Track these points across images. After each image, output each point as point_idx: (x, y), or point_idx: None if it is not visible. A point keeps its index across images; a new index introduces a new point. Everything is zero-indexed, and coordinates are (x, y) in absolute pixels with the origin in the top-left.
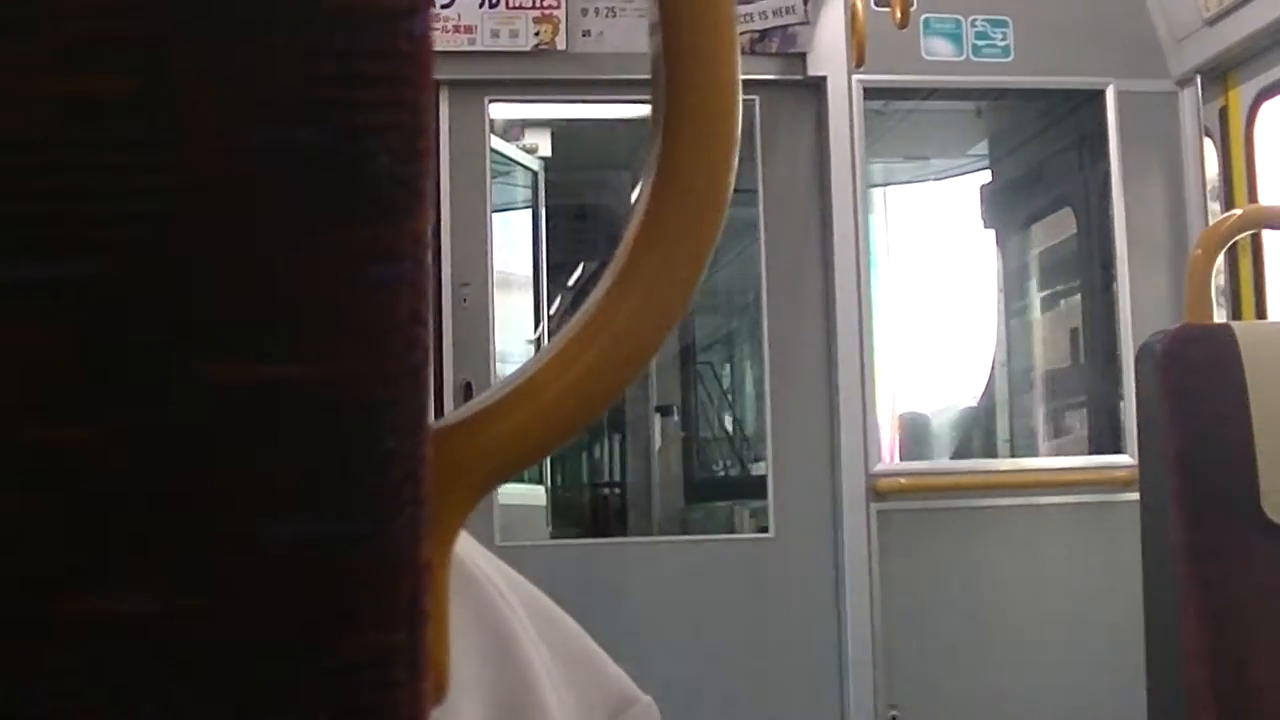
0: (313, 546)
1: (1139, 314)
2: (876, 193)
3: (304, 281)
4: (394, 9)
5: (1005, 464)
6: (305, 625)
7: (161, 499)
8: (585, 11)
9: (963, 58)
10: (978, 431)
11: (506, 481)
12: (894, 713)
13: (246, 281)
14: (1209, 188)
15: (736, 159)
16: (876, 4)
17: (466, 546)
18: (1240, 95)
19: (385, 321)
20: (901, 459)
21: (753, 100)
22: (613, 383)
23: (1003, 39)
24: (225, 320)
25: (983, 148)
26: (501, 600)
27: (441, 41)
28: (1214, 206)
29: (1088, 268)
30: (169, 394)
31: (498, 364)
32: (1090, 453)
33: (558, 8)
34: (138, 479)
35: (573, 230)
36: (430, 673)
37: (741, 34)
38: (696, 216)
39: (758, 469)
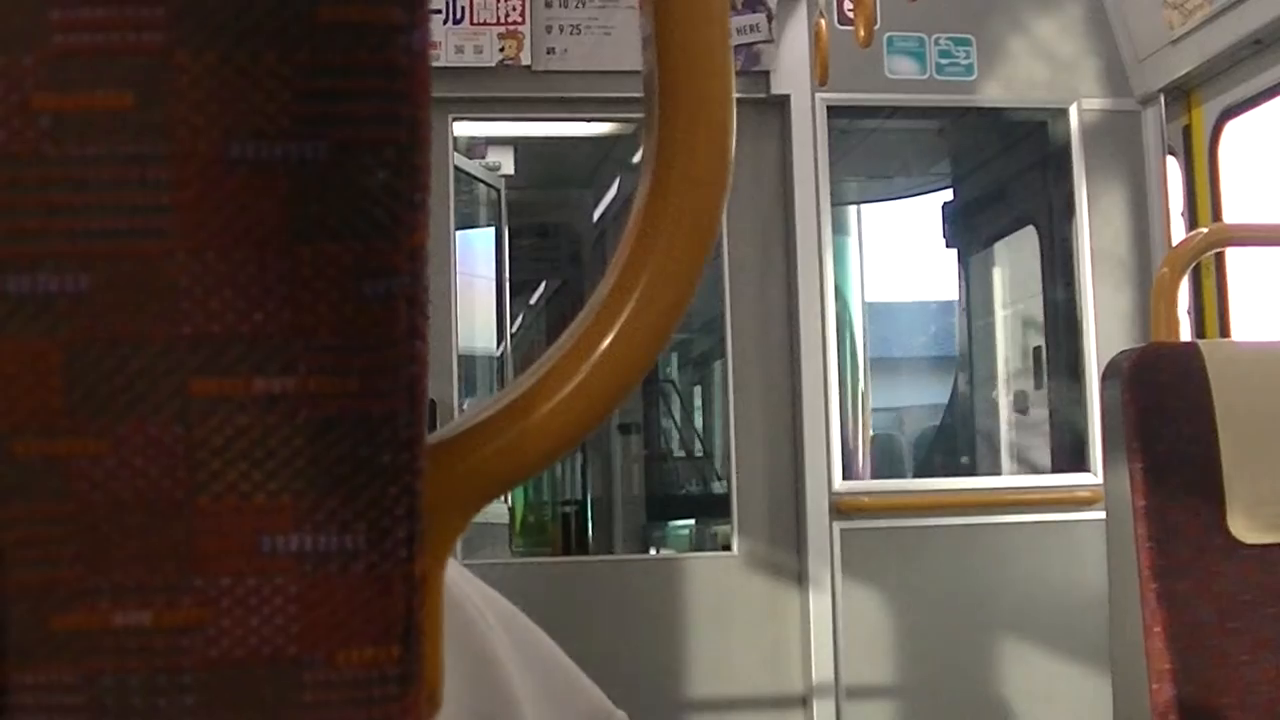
0: (308, 560)
1: (1103, 332)
2: (850, 210)
3: (300, 296)
4: (391, 24)
5: (969, 483)
6: (301, 639)
7: (157, 513)
8: (550, 29)
9: (926, 76)
10: (941, 450)
11: (501, 495)
12: None
13: (241, 296)
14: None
15: (731, 175)
16: (840, 23)
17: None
18: (1203, 114)
19: (382, 336)
20: (873, 477)
21: None
22: (606, 399)
23: (966, 58)
24: (220, 334)
25: (946, 166)
26: (480, 618)
27: None
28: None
29: (1051, 286)
30: (163, 408)
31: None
32: (1054, 471)
33: (522, 24)
34: (132, 493)
35: (536, 248)
36: (424, 687)
37: None
38: (690, 233)
39: (720, 487)
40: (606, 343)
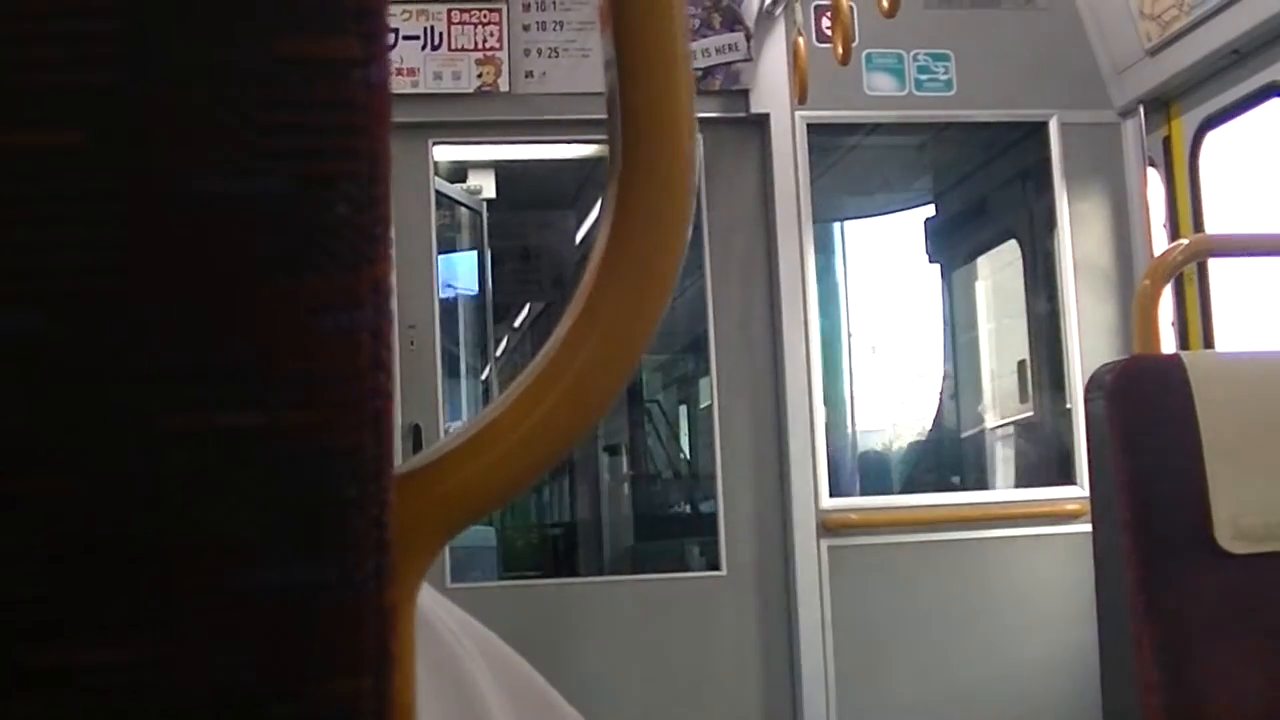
0: (278, 594)
1: (1087, 345)
2: (834, 228)
3: (262, 331)
4: (349, 58)
5: (956, 497)
6: (272, 672)
7: (124, 549)
8: (528, 52)
9: (905, 92)
10: (927, 465)
11: (471, 525)
12: None
13: (202, 332)
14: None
15: (694, 194)
16: (818, 40)
17: (422, 593)
18: (1182, 125)
19: (346, 369)
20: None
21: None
22: (575, 424)
23: (944, 73)
24: (181, 371)
25: (927, 182)
26: (458, 646)
27: None
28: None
29: (1035, 299)
30: (127, 445)
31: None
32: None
33: (500, 49)
34: (100, 530)
35: (518, 271)
36: (397, 718)
37: None
38: (656, 254)
39: (707, 506)
40: (572, 372)
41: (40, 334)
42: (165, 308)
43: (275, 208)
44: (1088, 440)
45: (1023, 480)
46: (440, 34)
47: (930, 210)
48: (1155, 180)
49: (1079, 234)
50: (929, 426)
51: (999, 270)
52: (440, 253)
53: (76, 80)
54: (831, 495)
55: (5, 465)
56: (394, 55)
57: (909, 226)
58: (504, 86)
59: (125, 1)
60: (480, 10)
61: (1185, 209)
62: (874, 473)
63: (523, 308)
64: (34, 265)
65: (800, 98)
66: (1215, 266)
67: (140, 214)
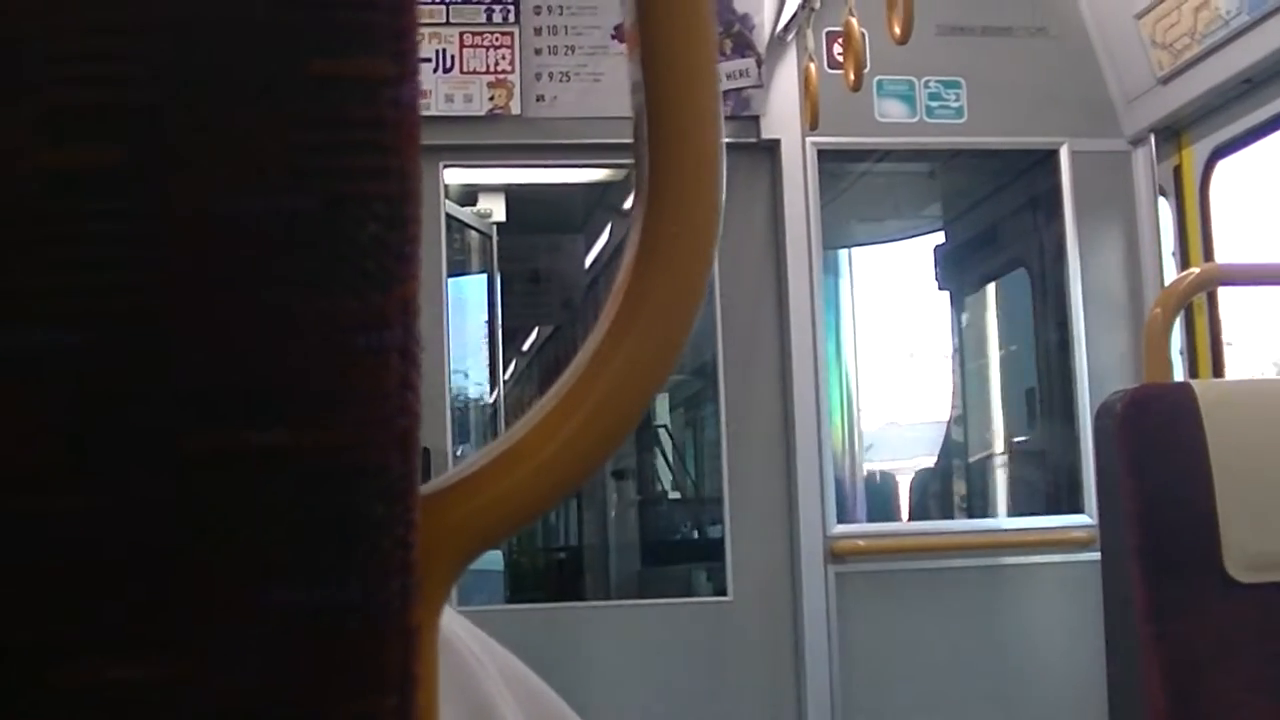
0: (303, 614)
1: (1096, 373)
2: (842, 254)
3: (292, 350)
4: (380, 77)
5: (963, 525)
6: (297, 692)
7: (149, 568)
8: (539, 76)
9: (916, 119)
10: (935, 492)
11: (494, 546)
12: None
13: (233, 351)
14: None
15: (721, 219)
16: (829, 67)
17: (444, 613)
18: (1193, 154)
19: (374, 389)
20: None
21: None
22: (600, 447)
23: (955, 100)
24: (212, 390)
25: (937, 209)
26: (479, 667)
27: None
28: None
29: (1044, 327)
30: (156, 463)
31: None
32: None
33: (512, 72)
34: (126, 549)
35: (528, 294)
36: None
37: None
38: (682, 280)
39: (714, 531)
40: (599, 392)
41: (72, 352)
42: (197, 326)
43: (308, 227)
44: (1096, 468)
45: (1031, 508)
46: (452, 56)
47: (940, 237)
48: (1166, 209)
49: (1089, 262)
50: (937, 453)
51: (1009, 298)
52: (450, 276)
53: (112, 99)
54: (839, 521)
55: (34, 482)
56: None
57: (919, 253)
58: (515, 110)
59: (162, 21)
60: (492, 33)
61: (1195, 238)
62: (881, 499)
63: (532, 331)
64: (67, 283)
65: (811, 124)
66: (1225, 295)
67: (174, 233)
